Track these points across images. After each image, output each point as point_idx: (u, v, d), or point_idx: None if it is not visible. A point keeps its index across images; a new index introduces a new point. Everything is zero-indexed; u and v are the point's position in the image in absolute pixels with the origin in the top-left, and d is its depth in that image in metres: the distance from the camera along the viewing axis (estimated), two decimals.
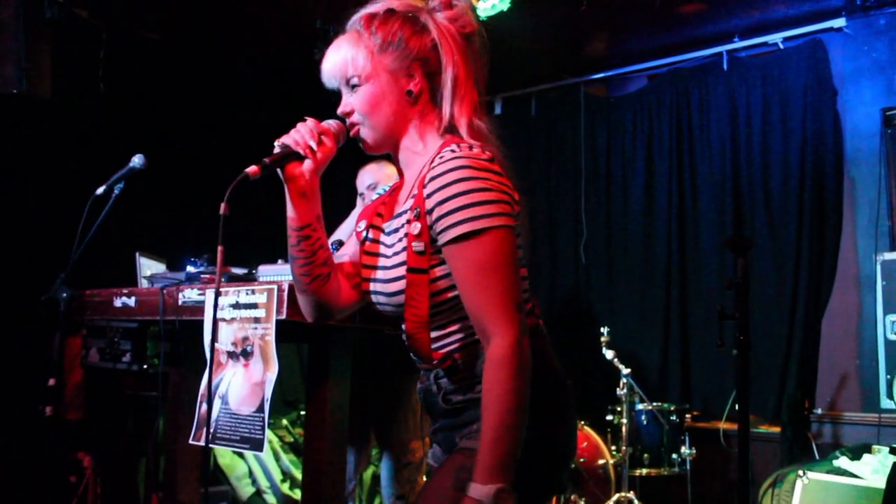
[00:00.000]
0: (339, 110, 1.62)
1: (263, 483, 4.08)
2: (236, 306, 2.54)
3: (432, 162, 1.51)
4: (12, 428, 3.66)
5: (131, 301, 2.96)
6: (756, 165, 4.91)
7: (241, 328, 2.52)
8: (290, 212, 1.62)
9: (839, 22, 4.69)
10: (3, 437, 3.68)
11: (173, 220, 4.60)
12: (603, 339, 4.43)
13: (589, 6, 4.37)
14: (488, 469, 1.39)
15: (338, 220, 3.51)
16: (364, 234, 1.71)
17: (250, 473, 4.08)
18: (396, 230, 1.59)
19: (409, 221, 1.53)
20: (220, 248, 1.54)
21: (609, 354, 4.39)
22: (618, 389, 4.37)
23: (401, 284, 1.54)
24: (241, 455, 4.06)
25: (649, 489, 4.46)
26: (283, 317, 2.41)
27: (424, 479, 3.40)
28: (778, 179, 4.82)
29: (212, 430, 2.58)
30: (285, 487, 4.11)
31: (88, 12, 4.46)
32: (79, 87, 4.28)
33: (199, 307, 2.68)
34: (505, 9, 4.14)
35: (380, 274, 1.62)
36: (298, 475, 4.04)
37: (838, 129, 4.68)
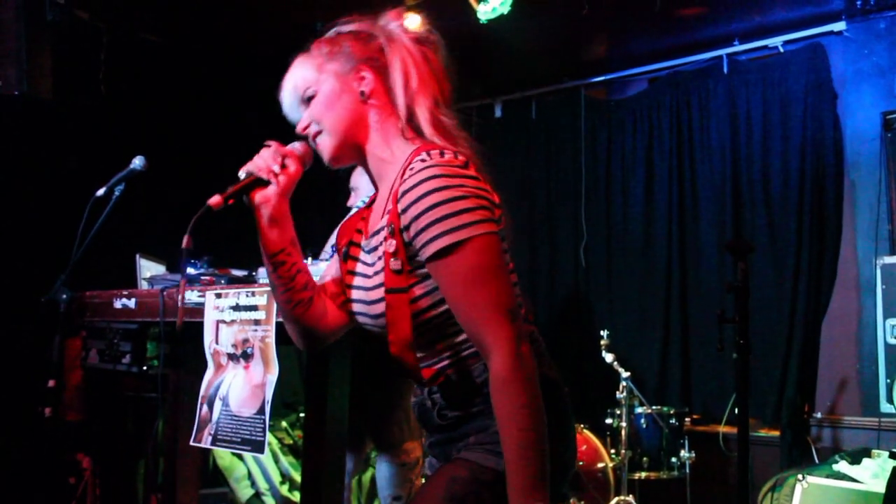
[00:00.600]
0: (298, 128, 1.61)
1: (262, 485, 4.08)
2: (236, 308, 2.54)
3: (403, 174, 1.45)
4: (12, 429, 3.66)
5: (131, 302, 2.96)
6: (756, 169, 4.91)
7: (241, 330, 2.52)
8: (262, 239, 1.58)
9: (839, 25, 4.69)
10: (3, 437, 3.68)
11: (173, 221, 4.56)
12: (602, 342, 4.43)
13: (589, 9, 4.37)
14: (521, 491, 1.35)
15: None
16: (345, 251, 1.67)
17: (249, 475, 4.07)
18: (375, 248, 1.54)
19: (385, 239, 1.47)
20: (182, 281, 1.63)
21: (608, 357, 4.39)
22: (617, 393, 4.36)
23: (383, 306, 1.49)
24: (239, 457, 4.06)
25: (648, 493, 4.46)
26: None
27: (422, 480, 3.41)
28: (778, 183, 4.82)
29: (213, 432, 2.58)
30: (284, 489, 4.11)
31: (89, 14, 4.47)
32: (80, 88, 4.28)
33: (198, 309, 2.67)
34: (505, 12, 4.14)
35: (362, 294, 1.57)
36: (298, 477, 4.04)
37: (838, 133, 4.68)
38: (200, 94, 4.90)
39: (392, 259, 1.45)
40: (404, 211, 1.42)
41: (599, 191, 5.57)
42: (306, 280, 1.62)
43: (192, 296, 2.71)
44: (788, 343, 4.68)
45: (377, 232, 1.54)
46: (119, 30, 4.63)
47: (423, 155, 1.45)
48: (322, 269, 2.59)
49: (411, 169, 1.43)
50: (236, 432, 2.51)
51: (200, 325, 2.64)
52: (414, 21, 1.67)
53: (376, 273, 1.53)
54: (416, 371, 1.52)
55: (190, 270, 2.89)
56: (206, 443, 2.60)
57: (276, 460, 4.12)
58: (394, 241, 1.44)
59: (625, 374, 4.34)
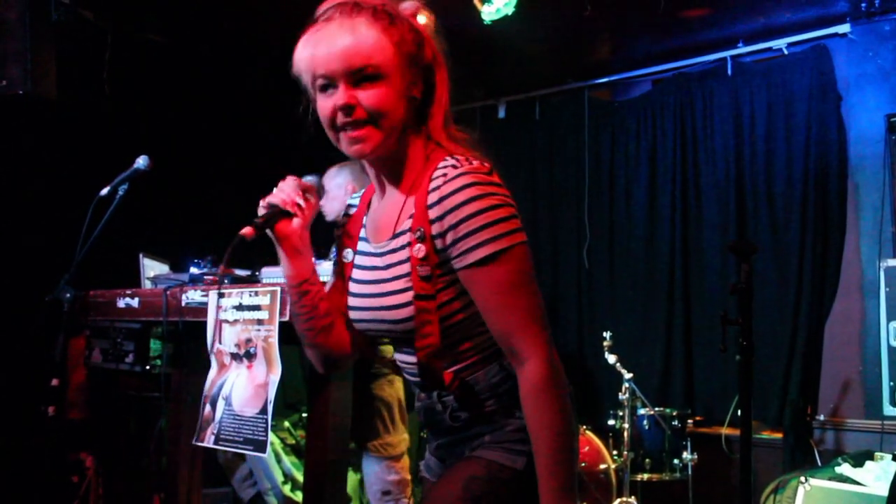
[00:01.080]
0: (343, 101, 1.41)
1: (265, 485, 4.08)
2: (240, 308, 2.55)
3: (431, 178, 1.43)
4: (15, 427, 3.67)
5: (134, 302, 2.97)
6: (760, 171, 4.90)
7: (244, 330, 2.52)
8: (288, 270, 1.59)
9: (844, 28, 4.69)
10: (6, 436, 3.69)
11: (177, 221, 4.60)
12: (605, 343, 4.43)
13: (593, 10, 4.37)
14: (555, 494, 1.38)
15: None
16: (352, 260, 1.64)
17: (251, 475, 4.07)
18: (394, 251, 1.51)
19: (409, 244, 1.45)
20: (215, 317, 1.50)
21: (611, 359, 4.39)
22: (620, 394, 4.36)
23: (408, 311, 1.47)
24: (242, 457, 4.06)
25: (651, 494, 4.45)
26: (287, 319, 2.41)
27: (407, 476, 3.46)
28: (781, 185, 4.82)
29: (215, 432, 2.58)
30: (287, 489, 4.10)
31: (94, 14, 4.48)
32: (84, 88, 4.29)
33: (202, 308, 2.68)
34: (510, 13, 4.14)
35: (375, 300, 1.54)
36: (300, 477, 4.04)
37: (842, 135, 4.68)
38: (204, 95, 4.91)
39: (420, 265, 1.44)
40: (440, 218, 1.40)
41: (603, 192, 5.57)
42: (328, 307, 1.62)
43: (195, 295, 2.72)
44: (791, 345, 4.67)
45: (398, 234, 1.51)
46: (123, 30, 4.63)
47: (453, 161, 1.43)
48: (327, 268, 2.60)
49: (443, 175, 1.41)
50: (238, 432, 2.51)
51: (204, 325, 2.65)
52: (430, 20, 1.57)
53: (396, 278, 1.49)
54: (441, 378, 1.51)
55: (193, 270, 2.90)
56: (208, 442, 2.61)
57: (279, 460, 4.11)
58: (423, 247, 1.43)
59: (627, 376, 4.34)
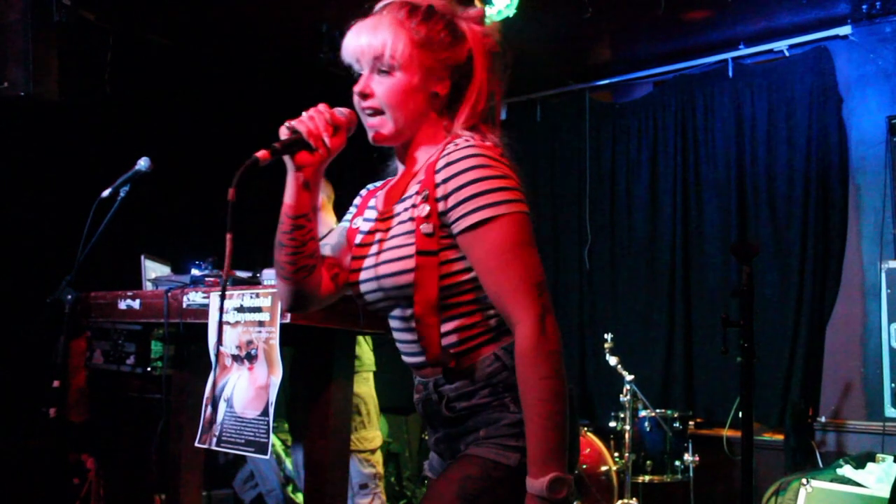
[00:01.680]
0: (358, 88, 1.54)
1: (266, 486, 4.08)
2: (241, 310, 2.54)
3: (443, 150, 1.50)
4: (16, 429, 3.67)
5: (136, 303, 2.97)
6: (761, 172, 4.91)
7: (245, 331, 2.52)
8: (289, 199, 1.57)
9: (845, 29, 4.69)
10: (7, 438, 3.68)
11: (178, 223, 4.61)
12: (606, 345, 4.43)
13: (594, 13, 4.37)
14: (540, 461, 1.38)
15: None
16: (358, 227, 1.67)
17: (253, 477, 4.08)
18: (399, 213, 1.55)
19: (414, 205, 1.50)
20: (228, 236, 1.48)
21: (612, 361, 4.39)
22: (621, 396, 4.36)
23: (407, 264, 1.49)
24: (243, 458, 4.06)
25: (652, 496, 4.45)
26: (288, 320, 2.41)
27: (380, 470, 3.63)
28: (783, 186, 4.82)
29: (217, 434, 2.58)
30: (288, 491, 4.11)
31: (96, 15, 4.47)
32: (85, 89, 4.29)
33: (203, 310, 2.68)
34: (511, 15, 4.15)
35: (380, 257, 1.55)
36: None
37: (843, 137, 4.68)
38: (206, 96, 4.91)
39: (424, 223, 1.47)
40: (444, 181, 1.46)
41: (604, 194, 5.57)
42: (315, 247, 1.62)
43: (196, 297, 2.71)
44: (793, 347, 4.67)
45: (402, 200, 1.56)
46: (125, 31, 4.64)
47: (466, 136, 1.51)
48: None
49: (455, 144, 1.49)
50: (240, 434, 2.51)
51: (205, 327, 2.65)
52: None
53: (399, 235, 1.52)
54: (436, 338, 1.51)
55: (194, 272, 2.90)
56: (210, 444, 2.61)
57: (280, 462, 4.12)
58: (427, 206, 1.47)
59: (628, 378, 4.34)
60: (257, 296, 2.50)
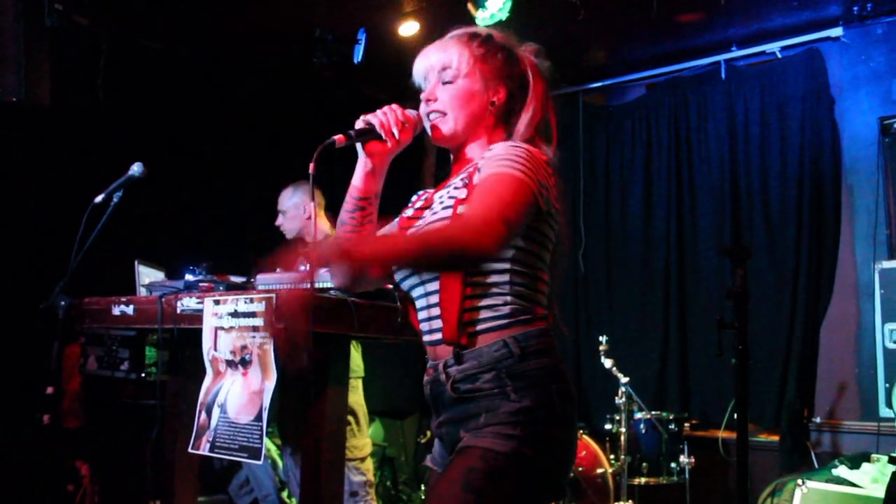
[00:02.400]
0: (425, 95, 1.75)
1: (261, 491, 4.07)
2: (235, 315, 2.54)
3: (490, 148, 1.67)
4: (10, 436, 3.65)
5: (129, 309, 2.96)
6: (754, 174, 4.92)
7: (239, 337, 2.52)
8: (357, 182, 1.77)
9: (837, 31, 4.71)
10: (1, 444, 3.67)
11: (172, 228, 4.60)
12: (601, 347, 4.43)
13: (587, 15, 4.38)
14: (356, 246, 1.46)
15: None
16: (407, 215, 1.80)
17: (248, 482, 4.06)
18: (441, 198, 1.69)
19: (457, 187, 1.65)
20: (313, 204, 2.12)
21: (608, 363, 4.39)
22: (616, 398, 4.36)
23: None
24: (238, 464, 4.05)
25: (648, 498, 4.45)
26: (281, 325, 2.41)
27: (371, 477, 3.70)
28: (776, 188, 4.83)
29: (210, 439, 2.58)
30: (283, 496, 4.10)
31: (88, 20, 4.47)
32: (78, 94, 4.28)
33: (197, 315, 2.67)
34: (504, 18, 4.16)
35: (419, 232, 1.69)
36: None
37: (836, 138, 4.69)
38: (199, 101, 4.91)
39: (461, 204, 1.60)
40: (483, 165, 1.61)
41: (598, 196, 5.57)
42: (371, 230, 1.79)
43: (190, 302, 2.71)
44: (787, 348, 4.68)
45: (448, 188, 1.70)
46: (118, 36, 4.63)
47: (514, 140, 1.71)
48: (321, 275, 2.60)
49: (504, 143, 1.67)
50: (234, 439, 2.51)
51: (199, 332, 2.64)
52: (548, 66, 1.90)
53: (443, 211, 1.65)
54: (451, 315, 1.59)
55: (188, 277, 2.89)
56: (203, 450, 2.60)
57: (275, 467, 4.11)
58: (465, 190, 1.62)
59: (624, 380, 4.34)
60: (251, 301, 2.50)
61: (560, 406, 1.58)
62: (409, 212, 1.82)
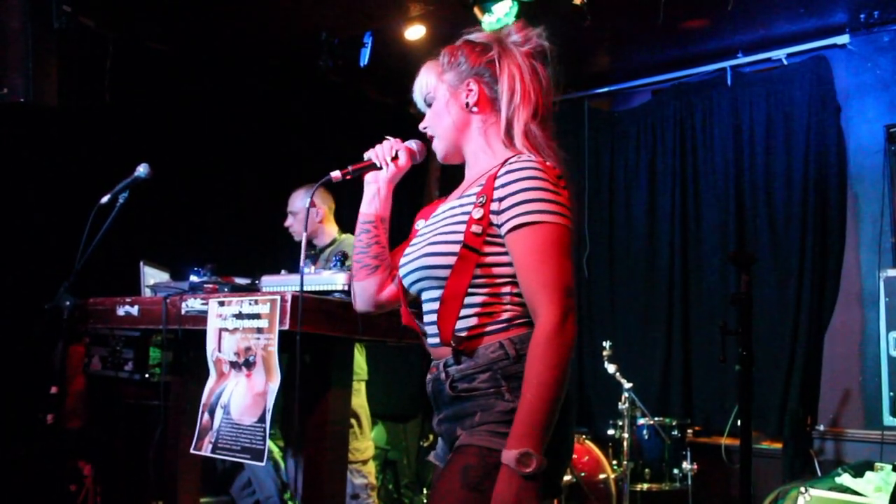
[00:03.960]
0: (420, 126, 1.87)
1: (264, 493, 4.07)
2: (239, 316, 2.54)
3: (505, 163, 1.67)
4: (14, 435, 3.66)
5: (134, 310, 2.97)
6: (759, 181, 4.91)
7: (243, 338, 2.52)
8: (364, 207, 1.91)
9: (843, 39, 4.70)
10: (5, 444, 3.67)
11: (177, 229, 4.60)
12: (605, 352, 4.43)
13: (593, 21, 4.38)
14: (518, 435, 1.50)
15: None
16: (420, 228, 1.87)
17: (251, 483, 4.06)
18: (454, 208, 1.73)
19: (472, 205, 1.68)
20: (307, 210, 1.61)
21: (611, 368, 4.39)
22: (619, 404, 4.36)
23: (451, 249, 1.66)
24: (241, 465, 4.05)
25: None
26: (286, 327, 2.41)
27: (373, 480, 3.73)
28: (781, 195, 4.82)
29: (213, 440, 2.58)
30: (285, 498, 4.10)
31: (95, 22, 4.48)
32: (85, 96, 4.29)
33: (201, 317, 2.68)
34: (510, 23, 4.15)
35: (430, 239, 1.73)
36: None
37: (842, 146, 4.69)
38: (205, 103, 4.92)
39: (475, 224, 1.65)
40: (503, 186, 1.64)
41: (602, 202, 5.57)
42: (379, 252, 1.91)
43: (195, 304, 2.72)
44: (791, 355, 4.67)
45: (461, 197, 1.75)
46: (125, 38, 4.64)
47: (528, 155, 1.70)
48: (326, 277, 2.61)
49: (517, 160, 1.67)
50: (237, 440, 2.51)
51: (203, 333, 2.65)
52: (531, 32, 1.87)
53: (451, 224, 1.71)
54: (448, 321, 1.65)
55: (193, 278, 2.90)
56: (206, 451, 2.60)
57: (277, 468, 4.11)
58: (481, 210, 1.66)
59: (627, 385, 4.33)
60: (256, 302, 2.50)
61: (567, 409, 1.60)
62: (421, 223, 1.89)
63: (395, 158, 1.89)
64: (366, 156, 1.91)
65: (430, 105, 1.85)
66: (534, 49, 1.82)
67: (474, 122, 1.81)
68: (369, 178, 1.91)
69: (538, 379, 1.52)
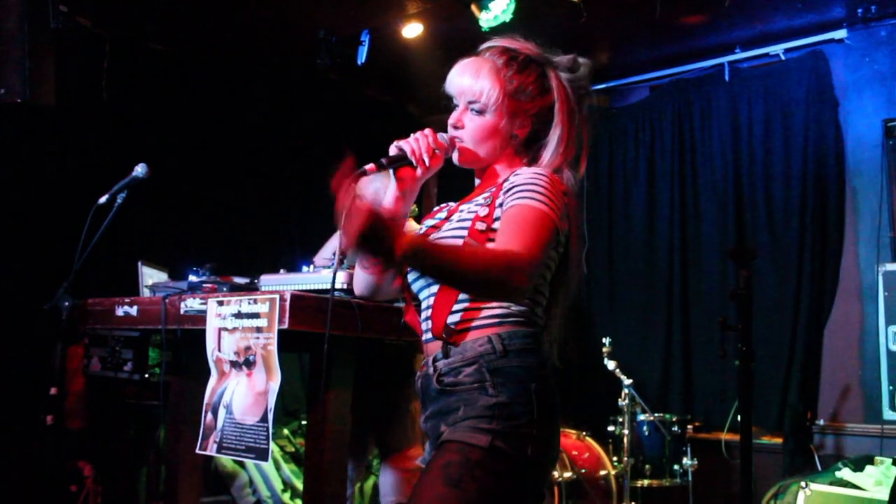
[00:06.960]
0: (452, 121, 1.79)
1: (264, 493, 4.07)
2: (238, 316, 2.54)
3: (515, 171, 1.71)
4: (13, 436, 3.66)
5: (133, 310, 2.96)
6: (758, 176, 4.91)
7: (243, 338, 2.52)
8: (387, 203, 1.80)
9: (840, 33, 4.70)
10: (5, 445, 3.68)
11: (176, 229, 4.60)
12: (605, 349, 4.42)
13: (590, 17, 4.38)
14: (423, 241, 1.50)
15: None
16: (425, 227, 1.86)
17: (251, 483, 4.07)
18: (461, 212, 1.75)
19: (479, 204, 1.71)
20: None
21: (611, 365, 4.39)
22: (619, 400, 4.36)
23: (455, 242, 1.66)
24: (241, 464, 4.05)
25: (651, 500, 4.44)
26: (286, 326, 2.41)
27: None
28: (780, 190, 4.82)
29: (218, 440, 2.58)
30: (286, 497, 4.10)
31: (92, 22, 4.48)
32: (82, 95, 4.29)
33: (200, 316, 2.67)
34: (507, 20, 4.16)
35: (437, 238, 1.74)
36: (299, 485, 4.03)
37: (840, 140, 4.69)
38: (203, 102, 4.92)
39: (479, 221, 1.67)
40: (508, 190, 1.66)
41: (601, 198, 5.57)
42: None
43: (194, 303, 2.71)
44: (791, 350, 4.67)
45: (470, 203, 1.76)
46: (122, 37, 4.64)
47: (537, 166, 1.75)
48: (322, 276, 2.61)
49: (527, 168, 1.72)
50: (240, 440, 2.51)
51: (202, 333, 2.64)
52: (584, 72, 1.85)
53: (457, 222, 1.72)
54: (441, 314, 1.68)
55: (192, 278, 2.90)
56: (211, 450, 2.60)
57: (278, 468, 4.11)
58: (487, 209, 1.68)
59: (627, 382, 4.33)
60: (255, 302, 2.50)
61: (538, 405, 1.61)
62: (431, 221, 1.86)
63: (432, 157, 1.75)
64: (398, 146, 1.75)
65: (474, 107, 1.77)
66: (581, 90, 1.83)
67: (510, 149, 1.81)
68: (402, 175, 1.77)
69: (473, 258, 1.51)
